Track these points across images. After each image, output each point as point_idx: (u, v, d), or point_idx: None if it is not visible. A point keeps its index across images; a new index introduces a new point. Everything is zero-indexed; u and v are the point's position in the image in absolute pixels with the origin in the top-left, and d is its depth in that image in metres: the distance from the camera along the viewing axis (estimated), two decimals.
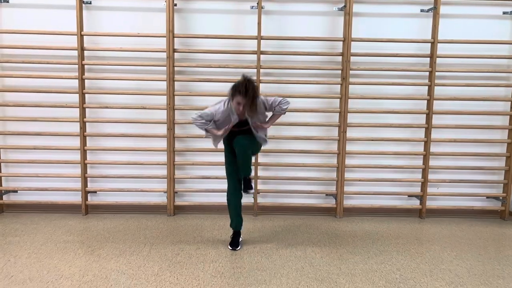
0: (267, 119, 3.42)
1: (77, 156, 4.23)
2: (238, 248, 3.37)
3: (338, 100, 4.22)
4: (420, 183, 4.36)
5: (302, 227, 3.99)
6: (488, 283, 2.85)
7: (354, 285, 2.76)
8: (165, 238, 3.63)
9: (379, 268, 3.06)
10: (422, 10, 4.17)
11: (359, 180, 4.34)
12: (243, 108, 3.13)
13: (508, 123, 4.30)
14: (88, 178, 4.30)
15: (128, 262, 3.08)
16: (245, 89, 3.05)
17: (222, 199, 3.62)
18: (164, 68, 4.10)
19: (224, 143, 3.44)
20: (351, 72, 4.15)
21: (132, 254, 3.24)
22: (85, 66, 4.14)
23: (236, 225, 3.50)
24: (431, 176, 4.33)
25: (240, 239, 3.50)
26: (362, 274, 2.95)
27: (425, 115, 4.25)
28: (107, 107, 4.19)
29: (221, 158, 4.24)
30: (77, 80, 4.08)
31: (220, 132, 3.29)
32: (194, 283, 2.76)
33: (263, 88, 4.18)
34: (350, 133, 4.26)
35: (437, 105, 4.23)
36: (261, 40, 4.09)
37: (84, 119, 4.16)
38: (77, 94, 4.11)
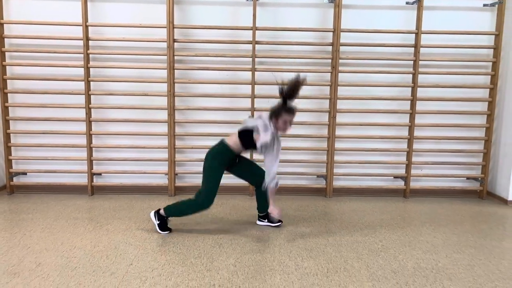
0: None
1: (83, 140, 4.50)
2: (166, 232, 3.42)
3: (328, 87, 4.50)
4: (405, 165, 4.66)
5: (294, 206, 4.29)
6: (460, 252, 3.16)
7: (339, 254, 3.07)
8: None
9: (363, 239, 3.37)
10: (407, 3, 4.44)
11: (348, 163, 4.64)
12: (290, 127, 3.17)
13: (486, 109, 4.60)
14: (93, 161, 4.57)
15: (135, 235, 3.37)
16: (294, 108, 3.13)
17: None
18: (165, 57, 4.36)
19: (223, 162, 3.31)
20: (340, 61, 4.42)
21: (138, 229, 3.53)
22: (90, 55, 4.38)
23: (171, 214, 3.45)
24: (414, 159, 4.64)
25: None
26: (347, 244, 3.25)
27: (409, 101, 4.54)
28: (111, 94, 4.45)
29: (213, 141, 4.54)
30: (83, 68, 4.33)
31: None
32: (195, 252, 3.05)
33: (258, 76, 4.45)
34: (340, 118, 4.54)
35: (420, 92, 4.52)
36: (256, 31, 4.35)
37: (90, 105, 4.41)
38: (83, 82, 4.36)
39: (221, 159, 3.29)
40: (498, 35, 4.43)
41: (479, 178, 4.68)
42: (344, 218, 3.91)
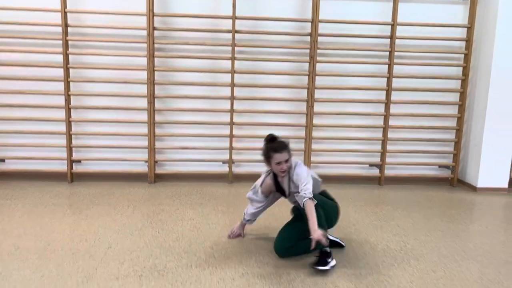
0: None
1: (62, 127, 4.49)
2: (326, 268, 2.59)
3: (306, 77, 4.59)
4: (380, 153, 4.80)
5: None
6: (428, 234, 3.31)
7: None
8: (147, 201, 3.98)
9: (337, 224, 3.48)
10: None
11: (325, 151, 4.76)
12: (287, 166, 2.69)
13: (458, 99, 4.76)
14: (73, 148, 4.58)
15: (114, 220, 3.42)
16: (279, 143, 2.72)
17: (199, 168, 3.96)
18: (145, 45, 4.38)
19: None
20: (318, 51, 4.51)
21: (117, 214, 3.58)
22: (69, 42, 4.37)
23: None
24: (389, 147, 4.78)
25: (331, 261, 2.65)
26: None
27: (385, 91, 4.66)
28: (90, 81, 4.46)
29: (198, 130, 4.61)
30: (62, 55, 4.32)
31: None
32: (173, 236, 3.12)
33: (237, 65, 4.51)
34: (317, 107, 4.65)
35: (395, 83, 4.65)
36: (236, 20, 4.40)
37: (69, 92, 4.41)
38: (62, 69, 4.35)
39: None
40: (470, 28, 4.58)
41: (450, 166, 4.85)
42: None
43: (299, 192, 2.64)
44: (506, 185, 4.64)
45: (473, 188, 4.67)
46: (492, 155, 4.56)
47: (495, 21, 4.37)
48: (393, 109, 4.69)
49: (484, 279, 2.56)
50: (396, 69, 4.61)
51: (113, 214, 3.58)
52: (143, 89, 4.47)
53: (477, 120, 4.68)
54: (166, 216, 3.56)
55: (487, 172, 4.59)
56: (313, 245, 2.45)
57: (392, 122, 4.72)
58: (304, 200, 2.57)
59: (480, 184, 4.61)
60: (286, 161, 2.69)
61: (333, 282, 2.47)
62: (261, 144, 4.09)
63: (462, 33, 4.68)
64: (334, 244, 2.94)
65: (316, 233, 2.43)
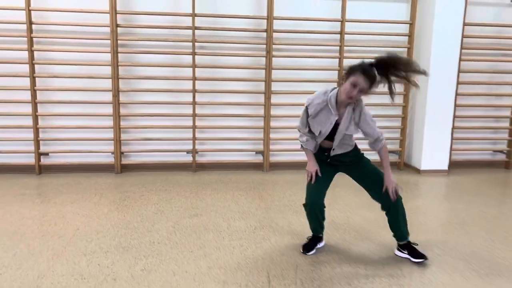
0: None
1: (29, 121, 4.65)
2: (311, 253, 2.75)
3: (264, 71, 4.90)
4: None
5: (233, 179, 4.69)
6: (371, 211, 3.67)
7: (268, 215, 3.50)
8: (113, 189, 4.20)
9: (289, 203, 3.82)
10: None
11: (283, 139, 5.09)
12: (359, 95, 2.40)
13: (403, 90, 5.18)
14: (40, 142, 4.74)
15: (81, 207, 3.64)
16: (373, 72, 2.35)
17: (164, 158, 4.22)
18: (109, 41, 4.58)
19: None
20: (273, 46, 4.83)
21: (85, 201, 3.80)
22: (34, 39, 4.52)
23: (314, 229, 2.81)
24: None
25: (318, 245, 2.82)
26: (276, 208, 3.70)
27: (336, 83, 5.03)
28: (56, 77, 4.62)
29: (162, 121, 4.85)
30: (27, 51, 4.47)
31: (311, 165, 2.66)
32: (138, 218, 3.38)
33: (198, 60, 4.78)
34: (274, 99, 4.97)
35: None
36: (196, 17, 4.66)
37: (35, 87, 4.57)
38: (27, 65, 4.50)
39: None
40: (412, 24, 5.00)
41: (398, 151, 5.28)
42: (277, 188, 4.36)
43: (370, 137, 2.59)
44: (446, 168, 5.10)
45: (417, 171, 5.11)
46: (433, 140, 5.00)
47: (432, 18, 4.79)
48: None
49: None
50: (346, 62, 4.98)
51: (81, 201, 3.80)
52: (107, 84, 4.67)
53: (419, 109, 5.12)
54: (132, 202, 3.81)
55: (429, 156, 5.04)
56: (392, 194, 2.54)
57: None
58: (382, 144, 2.61)
59: (423, 167, 5.05)
60: (361, 91, 2.38)
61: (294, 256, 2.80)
62: (223, 134, 4.34)
63: (406, 29, 5.09)
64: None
65: (393, 181, 2.55)
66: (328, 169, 2.70)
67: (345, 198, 4.03)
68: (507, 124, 5.43)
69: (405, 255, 2.70)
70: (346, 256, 2.73)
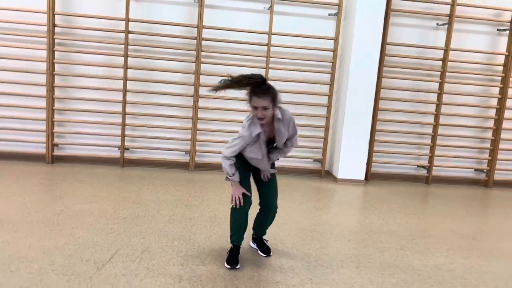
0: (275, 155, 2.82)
1: None
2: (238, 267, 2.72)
3: (193, 75, 5.21)
4: None
5: (163, 176, 4.95)
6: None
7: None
8: (46, 179, 4.50)
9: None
10: (264, 8, 5.22)
11: (209, 142, 5.38)
12: (267, 114, 2.50)
13: (327, 102, 5.46)
14: None
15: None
16: (263, 88, 2.50)
17: (93, 152, 4.59)
18: (45, 39, 4.93)
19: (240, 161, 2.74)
20: (202, 53, 5.14)
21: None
22: None
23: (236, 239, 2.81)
24: None
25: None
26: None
27: None
28: None
29: (96, 117, 5.17)
30: None
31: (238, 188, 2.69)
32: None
33: (131, 62, 5.10)
34: (202, 103, 5.27)
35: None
36: (129, 22, 4.99)
37: None
38: None
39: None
40: (336, 40, 5.30)
41: (320, 160, 5.55)
42: (198, 187, 4.64)
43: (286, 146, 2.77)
44: (363, 178, 5.36)
45: (335, 179, 5.37)
46: (350, 151, 5.26)
47: (352, 36, 5.10)
48: None
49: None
50: (272, 72, 5.28)
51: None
52: (42, 79, 5.01)
53: (339, 121, 5.40)
54: (66, 192, 4.11)
55: (346, 166, 5.30)
56: (263, 177, 2.81)
57: None
58: (289, 150, 2.81)
59: (340, 176, 5.31)
60: (266, 108, 2.49)
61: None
62: (154, 134, 4.54)
63: (333, 44, 5.39)
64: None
65: (269, 170, 2.81)
66: (248, 175, 2.81)
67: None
68: (428, 141, 5.68)
69: (255, 246, 3.02)
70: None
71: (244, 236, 2.79)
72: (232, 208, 2.73)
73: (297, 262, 2.83)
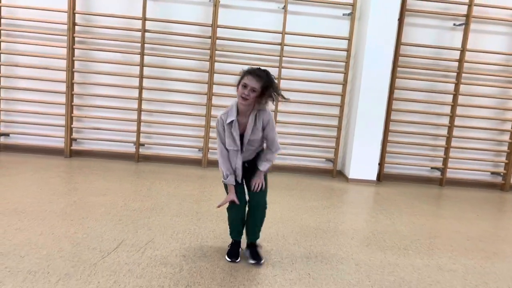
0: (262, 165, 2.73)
1: None
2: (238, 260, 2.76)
3: (207, 74, 5.30)
4: None
5: (176, 172, 5.07)
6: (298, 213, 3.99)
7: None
8: (66, 171, 4.68)
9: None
10: (278, 7, 5.27)
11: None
12: (252, 96, 2.49)
13: (339, 102, 5.47)
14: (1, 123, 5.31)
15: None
16: (258, 71, 2.53)
17: (110, 147, 4.72)
18: (66, 37, 5.12)
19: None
20: (216, 52, 5.23)
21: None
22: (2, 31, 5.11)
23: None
24: (283, 140, 5.46)
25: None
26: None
27: None
28: (17, 66, 5.19)
29: (113, 113, 5.33)
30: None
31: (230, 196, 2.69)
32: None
33: (148, 60, 5.24)
34: (215, 101, 5.36)
35: (285, 84, 5.35)
36: (146, 21, 5.13)
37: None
38: None
39: None
40: (349, 40, 5.30)
41: (332, 159, 5.56)
42: (216, 182, 4.74)
43: (268, 148, 2.72)
44: (374, 178, 5.34)
45: (347, 179, 5.37)
46: (362, 151, 5.25)
47: (365, 36, 5.09)
48: (284, 107, 5.39)
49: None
50: (284, 72, 5.32)
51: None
52: (62, 76, 5.19)
53: (352, 121, 5.39)
54: (78, 185, 4.27)
55: (357, 166, 5.29)
56: (253, 186, 2.70)
57: (280, 118, 5.43)
58: (273, 156, 2.73)
59: (352, 176, 5.31)
60: (254, 90, 2.49)
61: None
62: (169, 130, 4.65)
63: (347, 44, 5.38)
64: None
65: (262, 179, 2.72)
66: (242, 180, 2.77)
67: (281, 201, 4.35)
68: (443, 143, 5.62)
69: (247, 254, 2.79)
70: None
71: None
72: (227, 208, 2.77)
73: (297, 257, 2.87)
